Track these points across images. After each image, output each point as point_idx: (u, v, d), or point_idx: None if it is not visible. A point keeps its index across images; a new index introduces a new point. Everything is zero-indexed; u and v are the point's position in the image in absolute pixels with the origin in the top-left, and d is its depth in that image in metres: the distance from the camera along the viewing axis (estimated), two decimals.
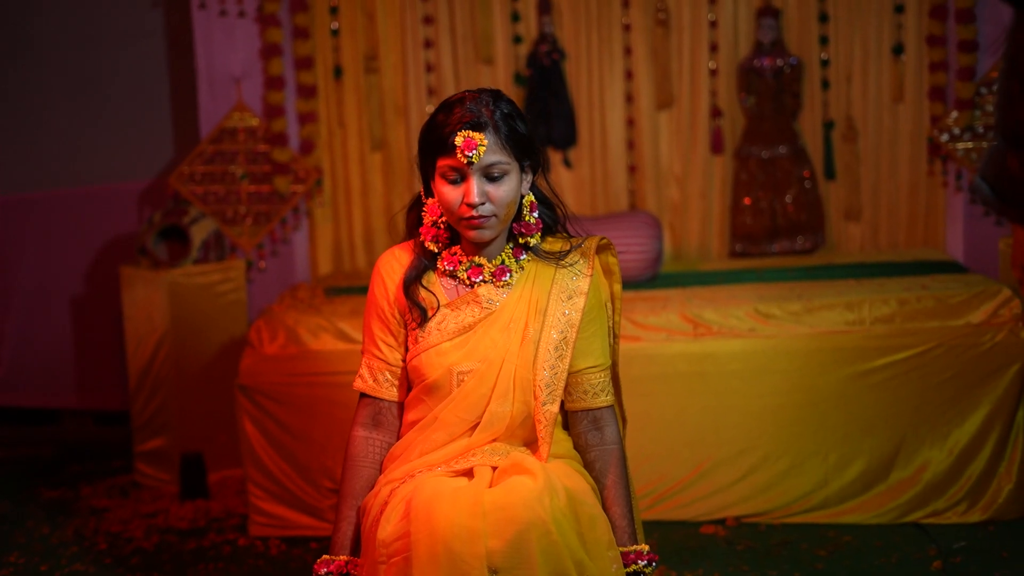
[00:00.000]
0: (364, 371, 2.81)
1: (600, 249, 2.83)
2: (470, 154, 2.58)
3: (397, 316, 2.77)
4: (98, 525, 4.86)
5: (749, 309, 4.58)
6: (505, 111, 2.65)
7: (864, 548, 4.20)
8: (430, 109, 5.78)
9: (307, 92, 5.66)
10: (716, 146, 5.70)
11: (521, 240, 2.76)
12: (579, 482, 2.65)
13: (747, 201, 5.65)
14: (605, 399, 2.76)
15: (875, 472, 4.43)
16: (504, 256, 2.76)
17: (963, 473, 4.39)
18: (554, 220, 2.84)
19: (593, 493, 2.68)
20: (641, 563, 2.66)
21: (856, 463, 4.44)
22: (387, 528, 2.52)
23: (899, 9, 5.50)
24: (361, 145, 5.85)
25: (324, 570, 2.69)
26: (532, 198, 2.77)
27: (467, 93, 2.69)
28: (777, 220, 5.61)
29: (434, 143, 2.66)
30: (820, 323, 4.53)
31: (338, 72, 5.79)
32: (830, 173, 5.63)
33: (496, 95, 2.69)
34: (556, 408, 2.70)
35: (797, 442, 4.46)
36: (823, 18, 5.57)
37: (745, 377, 4.48)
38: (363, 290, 5.20)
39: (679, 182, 5.77)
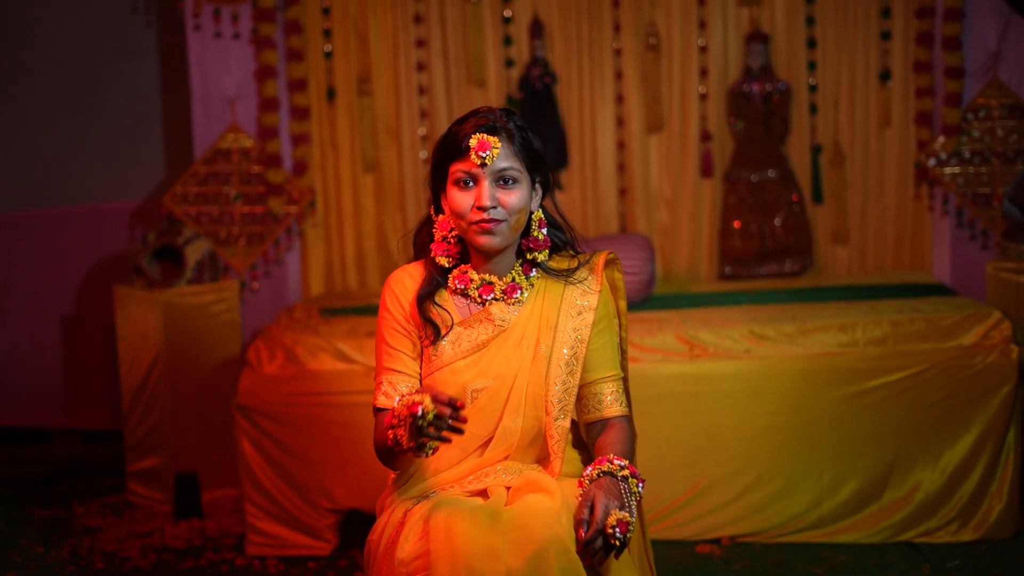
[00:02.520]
0: (386, 387, 2.77)
1: (608, 264, 2.87)
2: (484, 154, 2.64)
3: (413, 330, 2.79)
4: (93, 544, 4.87)
5: (744, 330, 4.64)
6: (518, 123, 2.73)
7: (859, 567, 4.26)
8: (422, 131, 5.84)
9: (300, 114, 5.69)
10: (706, 170, 5.77)
11: (529, 256, 2.80)
12: None
13: (736, 224, 5.72)
14: (619, 409, 2.80)
15: (869, 492, 4.49)
16: (515, 273, 2.80)
17: (955, 493, 4.46)
18: (563, 241, 2.88)
19: None
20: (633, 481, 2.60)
21: (850, 483, 4.50)
22: (406, 547, 2.55)
23: (886, 36, 5.59)
24: (353, 167, 5.88)
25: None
26: (541, 215, 2.81)
27: (481, 108, 2.76)
28: (766, 243, 5.68)
29: (449, 148, 2.72)
30: (814, 344, 4.59)
31: (331, 94, 5.83)
32: (818, 197, 5.71)
33: (509, 111, 2.76)
34: (567, 424, 2.76)
35: (791, 462, 4.51)
36: (811, 44, 5.66)
37: (740, 398, 4.54)
38: (358, 311, 5.24)
39: (669, 205, 5.83)
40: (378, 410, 2.76)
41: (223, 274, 5.64)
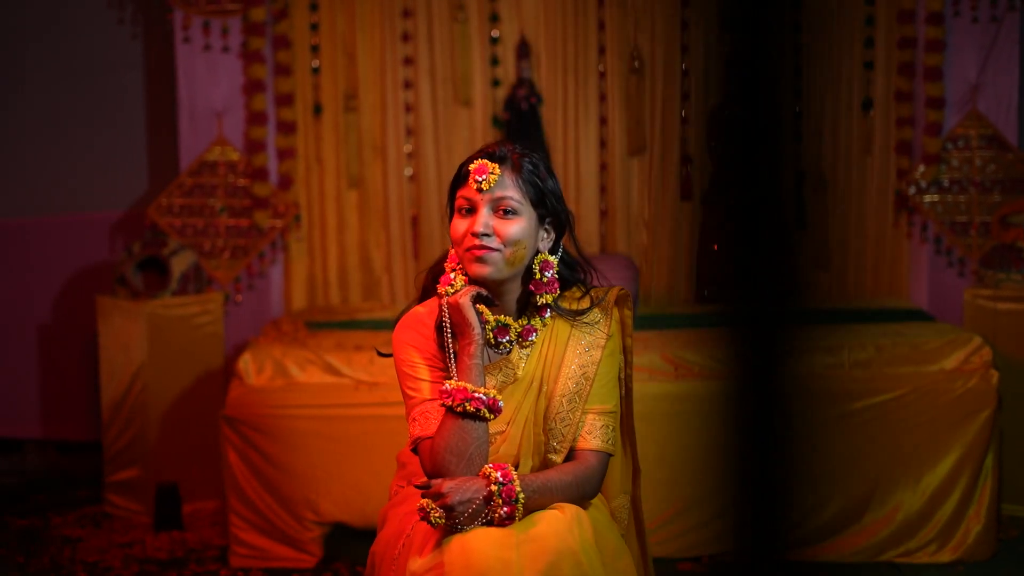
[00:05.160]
0: (432, 415, 2.64)
1: (619, 302, 2.81)
2: (480, 179, 2.63)
3: (436, 359, 2.72)
4: (73, 554, 4.85)
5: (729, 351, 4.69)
6: (532, 159, 2.70)
7: None
8: (408, 149, 5.88)
9: (287, 128, 5.72)
10: (685, 192, 5.84)
11: (540, 301, 2.72)
12: (603, 514, 2.72)
13: (715, 247, 5.78)
14: (594, 443, 2.69)
15: (850, 512, 4.56)
16: (528, 316, 2.75)
17: (934, 515, 4.54)
18: (575, 279, 2.81)
19: (616, 526, 2.75)
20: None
21: (832, 503, 4.56)
22: (418, 560, 2.55)
23: (868, 65, 5.69)
24: (338, 182, 5.91)
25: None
26: (548, 257, 2.73)
27: (505, 141, 2.74)
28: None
29: (456, 176, 2.72)
30: (800, 366, 4.64)
31: (318, 109, 5.86)
32: (800, 223, 5.78)
33: (532, 151, 2.73)
34: (560, 459, 2.69)
35: None
36: (796, 72, 5.73)
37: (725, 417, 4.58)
38: (344, 325, 5.28)
39: (649, 227, 5.89)
40: (420, 440, 2.64)
41: (207, 286, 5.64)
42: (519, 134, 5.77)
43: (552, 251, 2.75)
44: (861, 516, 4.56)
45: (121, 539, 5.04)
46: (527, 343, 2.74)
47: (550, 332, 2.75)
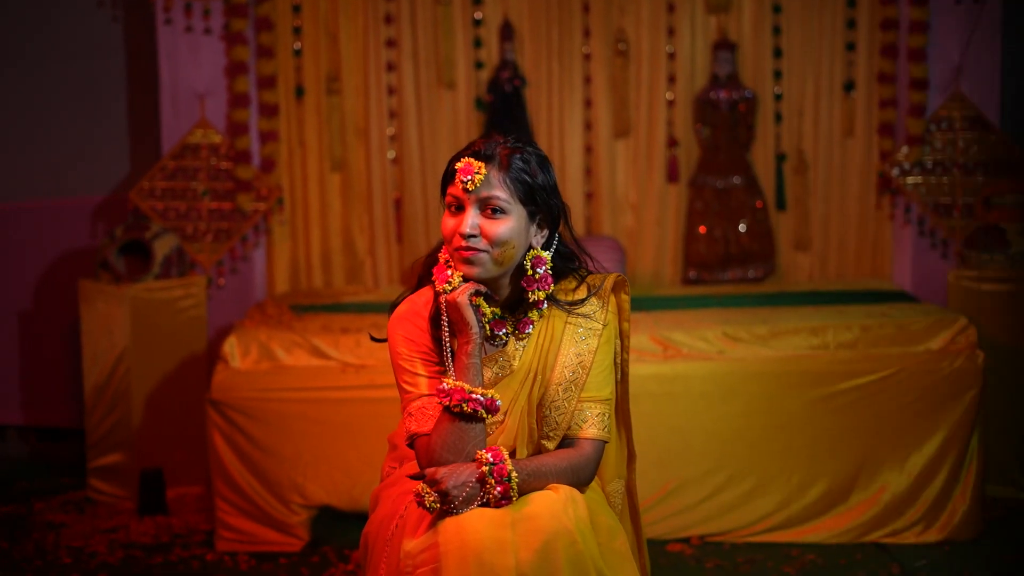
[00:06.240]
0: (429, 411, 2.64)
1: (616, 287, 2.79)
2: (465, 179, 2.59)
3: (432, 353, 2.70)
4: (58, 540, 4.82)
5: (717, 332, 4.71)
6: (522, 156, 2.64)
7: (829, 566, 4.33)
8: (391, 132, 5.86)
9: (269, 111, 5.69)
10: (672, 175, 5.84)
11: (532, 297, 2.69)
12: (597, 495, 2.73)
13: (702, 229, 5.79)
14: (593, 432, 2.69)
15: (837, 493, 4.58)
16: (524, 309, 2.73)
17: (921, 495, 4.56)
18: (570, 269, 2.78)
19: (610, 507, 2.75)
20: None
21: (818, 484, 4.58)
22: (413, 541, 2.53)
23: (850, 47, 5.70)
24: (321, 165, 5.88)
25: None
26: (541, 253, 2.69)
27: (499, 135, 2.69)
28: (730, 248, 5.76)
29: (446, 173, 2.68)
30: (786, 347, 4.67)
31: (300, 92, 5.82)
32: (781, 204, 5.79)
33: (526, 144, 2.68)
34: (553, 446, 2.68)
35: (762, 463, 4.58)
36: (777, 53, 5.75)
37: (713, 399, 4.60)
38: (328, 308, 5.26)
39: (635, 209, 5.89)
40: (416, 436, 2.63)
41: (190, 270, 5.61)
42: (503, 116, 5.76)
43: (546, 246, 2.71)
44: (847, 497, 4.58)
45: (105, 524, 5.01)
46: (523, 335, 2.73)
47: (546, 322, 2.73)
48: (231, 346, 4.78)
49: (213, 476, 4.70)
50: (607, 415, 2.72)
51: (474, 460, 2.54)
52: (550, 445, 2.68)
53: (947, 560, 4.38)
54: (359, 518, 4.45)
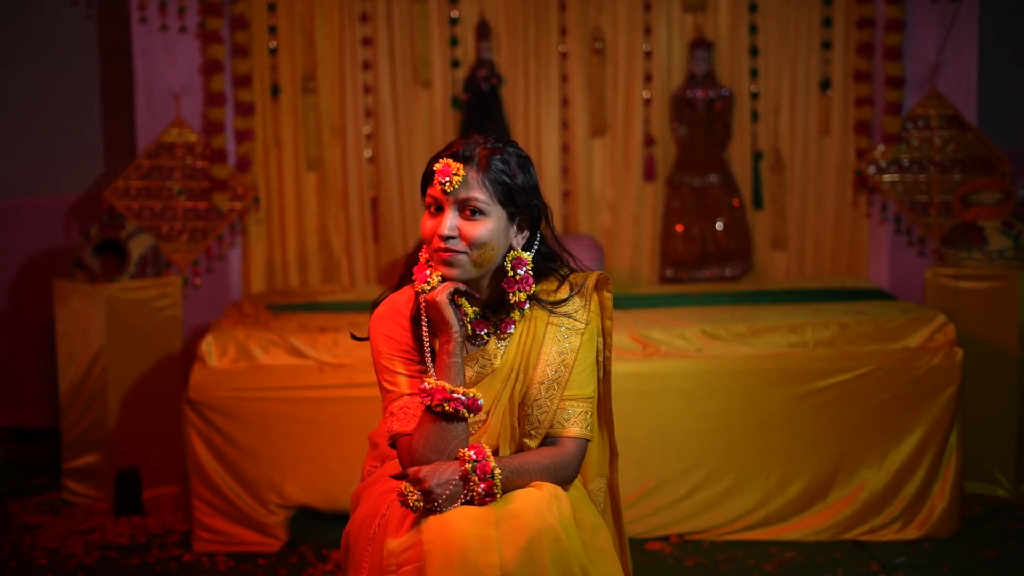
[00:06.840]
0: (411, 411, 2.62)
1: (598, 285, 2.78)
2: (443, 181, 2.58)
3: (414, 351, 2.69)
4: (34, 541, 4.78)
5: (696, 330, 4.71)
6: (502, 157, 2.63)
7: (809, 564, 4.34)
8: (367, 130, 5.85)
9: (245, 110, 5.66)
10: (648, 174, 5.84)
11: (513, 299, 2.67)
12: (580, 492, 2.72)
13: (679, 228, 5.79)
14: (575, 430, 2.67)
15: (815, 490, 4.59)
16: (505, 309, 2.72)
17: (899, 492, 4.57)
18: (552, 269, 2.77)
19: (593, 504, 2.75)
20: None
21: (797, 481, 4.58)
22: (396, 539, 2.52)
23: (827, 45, 5.72)
24: (297, 164, 5.86)
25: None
26: (521, 254, 2.68)
27: (474, 135, 2.68)
28: (707, 247, 5.77)
29: (425, 174, 2.67)
30: (764, 345, 4.68)
31: (276, 91, 5.80)
32: (758, 202, 5.80)
33: (506, 144, 2.67)
34: (534, 444, 2.67)
35: (741, 461, 4.59)
36: (754, 52, 5.76)
37: (692, 397, 4.60)
38: (305, 307, 5.24)
39: (612, 208, 5.89)
40: (398, 436, 2.61)
41: (165, 269, 5.58)
42: (479, 115, 5.74)
43: (527, 246, 2.70)
44: (826, 495, 4.59)
45: (81, 526, 4.97)
46: (505, 335, 2.72)
47: (528, 321, 2.72)
48: (208, 345, 4.75)
49: (190, 476, 4.68)
50: (590, 413, 2.71)
51: (457, 459, 2.54)
52: (532, 444, 2.68)
53: (926, 557, 4.39)
54: (338, 518, 4.44)
